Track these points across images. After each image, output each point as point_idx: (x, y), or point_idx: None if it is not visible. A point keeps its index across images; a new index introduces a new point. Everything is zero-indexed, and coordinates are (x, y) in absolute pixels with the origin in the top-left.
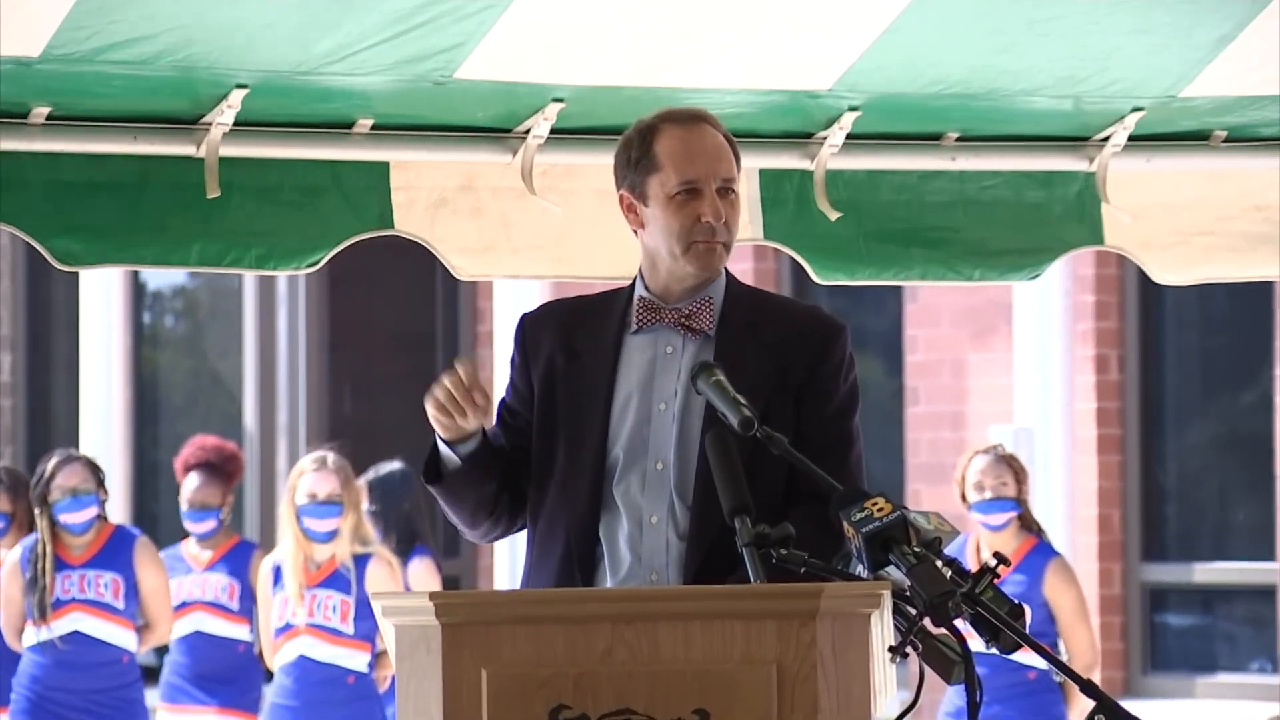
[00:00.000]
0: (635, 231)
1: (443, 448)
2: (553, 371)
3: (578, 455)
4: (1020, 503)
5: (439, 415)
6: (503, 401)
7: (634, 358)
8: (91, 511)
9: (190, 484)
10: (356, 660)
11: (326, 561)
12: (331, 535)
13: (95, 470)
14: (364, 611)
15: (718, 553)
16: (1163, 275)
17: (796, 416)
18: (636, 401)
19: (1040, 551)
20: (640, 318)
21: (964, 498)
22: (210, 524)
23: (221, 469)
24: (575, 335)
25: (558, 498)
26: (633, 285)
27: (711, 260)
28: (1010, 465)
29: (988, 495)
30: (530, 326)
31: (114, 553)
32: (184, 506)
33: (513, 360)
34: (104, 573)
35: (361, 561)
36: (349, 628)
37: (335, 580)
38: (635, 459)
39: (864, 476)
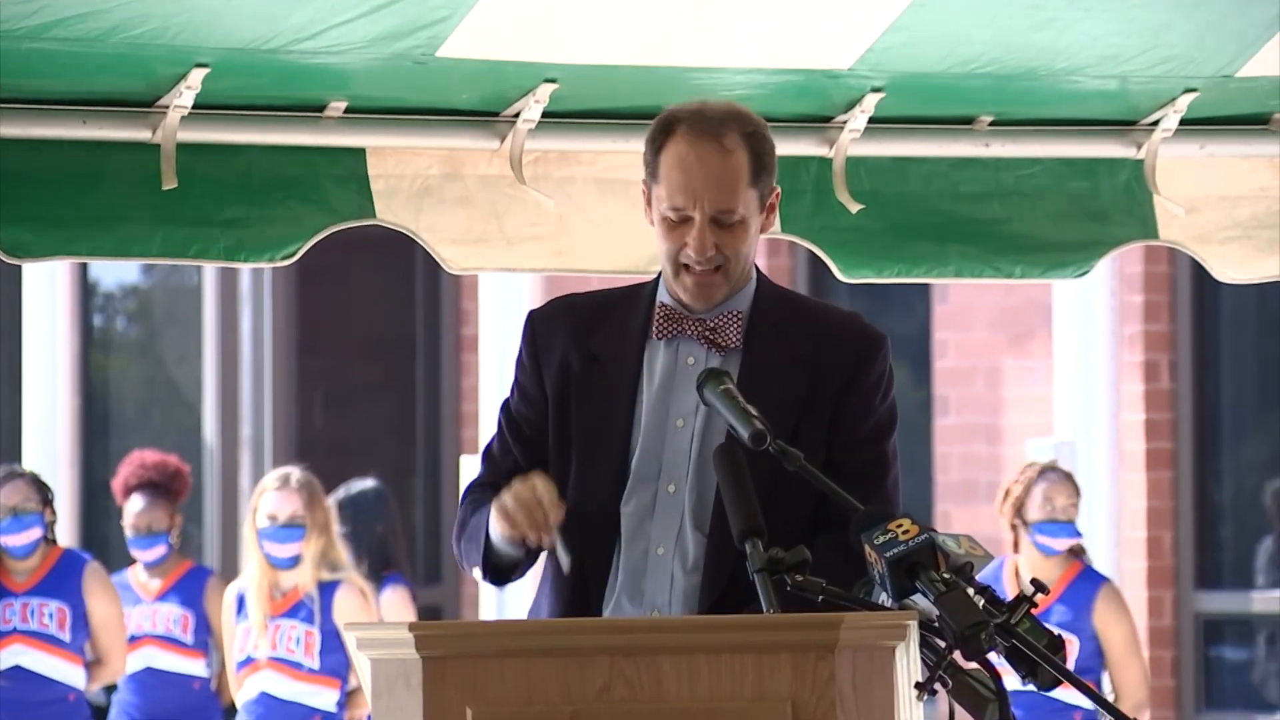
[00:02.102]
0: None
1: (496, 541)
2: (568, 375)
3: (595, 471)
4: (1079, 530)
5: (506, 528)
6: (508, 409)
7: (655, 367)
8: (35, 533)
9: (134, 506)
10: (323, 698)
11: (292, 589)
12: (294, 561)
13: (40, 488)
14: (331, 644)
15: (734, 588)
16: (1225, 272)
17: (829, 435)
18: (652, 416)
19: (1088, 578)
20: (661, 326)
21: (1018, 514)
22: (160, 550)
23: (167, 488)
24: (592, 336)
25: (573, 517)
26: (655, 285)
27: (702, 293)
28: (1075, 486)
29: (1059, 516)
30: (541, 324)
31: (61, 579)
32: (128, 532)
33: (520, 362)
34: (49, 601)
35: (329, 589)
36: (314, 661)
37: (299, 610)
38: (646, 480)
39: (900, 503)
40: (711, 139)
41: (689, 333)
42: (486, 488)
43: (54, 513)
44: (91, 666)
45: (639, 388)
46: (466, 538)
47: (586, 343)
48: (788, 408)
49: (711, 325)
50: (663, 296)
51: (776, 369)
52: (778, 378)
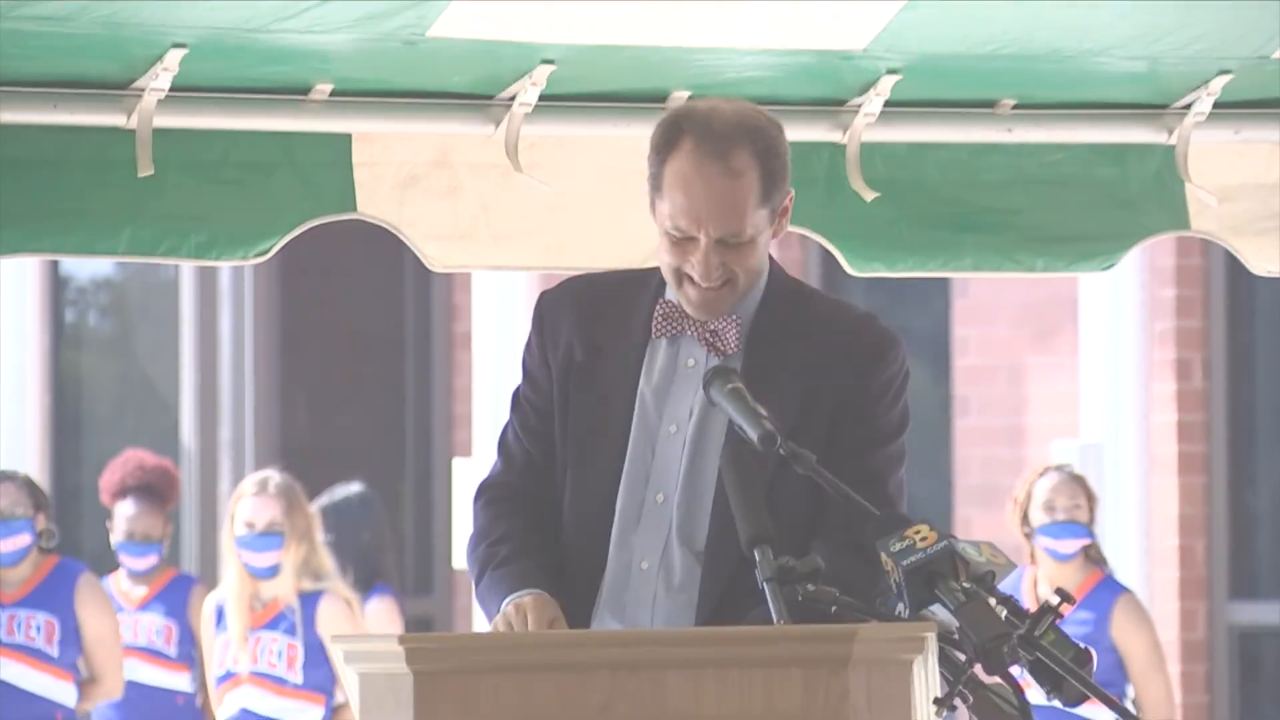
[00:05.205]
0: None
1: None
2: (569, 366)
3: (590, 472)
4: (1092, 531)
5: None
6: (518, 396)
7: (654, 365)
8: (23, 540)
9: (126, 510)
10: (308, 715)
11: (272, 600)
12: (274, 570)
13: (32, 491)
14: (315, 658)
15: (724, 612)
16: (1261, 265)
17: (830, 439)
18: (644, 418)
19: (1107, 587)
20: (660, 324)
21: (1025, 519)
22: (152, 559)
23: (164, 493)
24: (598, 325)
25: (571, 521)
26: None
27: (706, 308)
28: (1083, 487)
29: (1060, 517)
30: (549, 307)
31: (52, 591)
32: (119, 537)
33: (529, 346)
34: (37, 613)
35: (311, 599)
36: (296, 676)
37: (279, 622)
38: (634, 486)
39: (903, 508)
40: (718, 160)
41: (690, 332)
42: (501, 490)
43: (46, 519)
44: (85, 685)
45: (639, 386)
46: (481, 591)
47: (592, 331)
48: (784, 414)
49: (712, 328)
50: (668, 292)
51: (775, 374)
52: (775, 383)
